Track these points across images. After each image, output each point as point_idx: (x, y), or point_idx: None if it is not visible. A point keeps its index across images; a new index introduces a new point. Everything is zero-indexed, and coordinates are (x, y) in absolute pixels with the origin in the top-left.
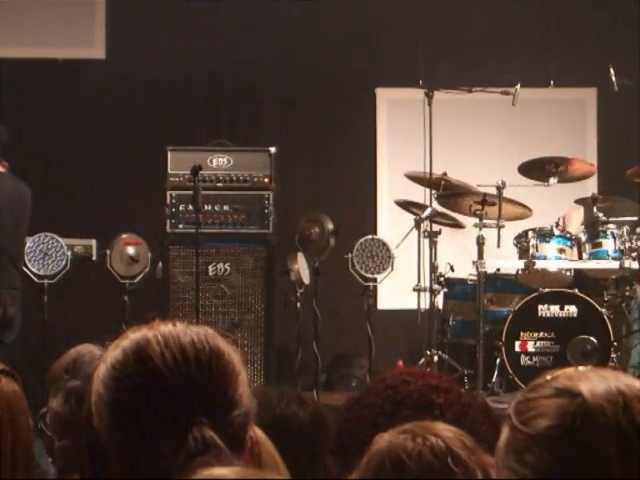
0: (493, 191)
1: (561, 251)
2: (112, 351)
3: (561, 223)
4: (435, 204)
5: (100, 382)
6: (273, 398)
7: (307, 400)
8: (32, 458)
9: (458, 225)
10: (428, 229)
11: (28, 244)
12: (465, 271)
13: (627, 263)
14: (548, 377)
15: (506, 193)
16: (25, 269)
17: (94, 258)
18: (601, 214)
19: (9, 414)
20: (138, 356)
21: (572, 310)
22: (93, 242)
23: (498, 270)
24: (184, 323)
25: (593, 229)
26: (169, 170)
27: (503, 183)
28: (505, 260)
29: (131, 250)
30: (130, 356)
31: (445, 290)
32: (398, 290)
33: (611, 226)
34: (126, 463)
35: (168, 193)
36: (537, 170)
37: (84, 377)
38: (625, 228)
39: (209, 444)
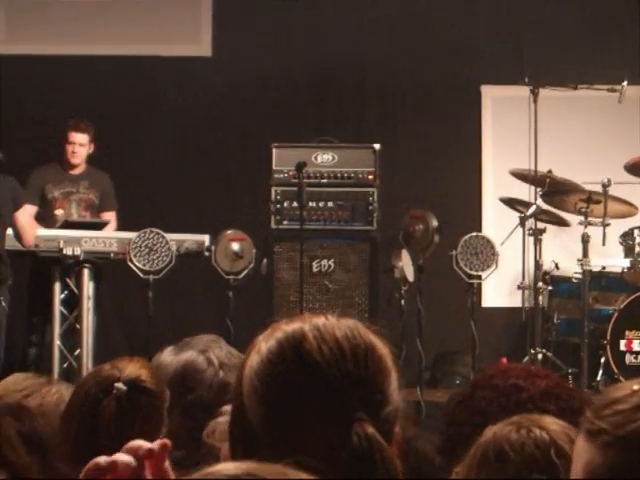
0: (598, 189)
1: None
2: (264, 343)
3: None
4: (540, 202)
5: (254, 375)
6: None
7: None
8: None
9: (563, 223)
10: (533, 227)
11: (133, 239)
12: (570, 269)
13: None
14: (635, 387)
15: (612, 191)
16: (130, 264)
17: (207, 253)
18: None
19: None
20: (296, 350)
21: None
22: (206, 237)
23: (603, 268)
24: (334, 316)
25: None
26: (274, 167)
27: (609, 181)
28: (610, 258)
29: (236, 246)
30: (287, 350)
31: (550, 288)
32: (502, 288)
33: None
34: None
35: (273, 189)
36: None
37: (204, 387)
38: None
39: (372, 441)
